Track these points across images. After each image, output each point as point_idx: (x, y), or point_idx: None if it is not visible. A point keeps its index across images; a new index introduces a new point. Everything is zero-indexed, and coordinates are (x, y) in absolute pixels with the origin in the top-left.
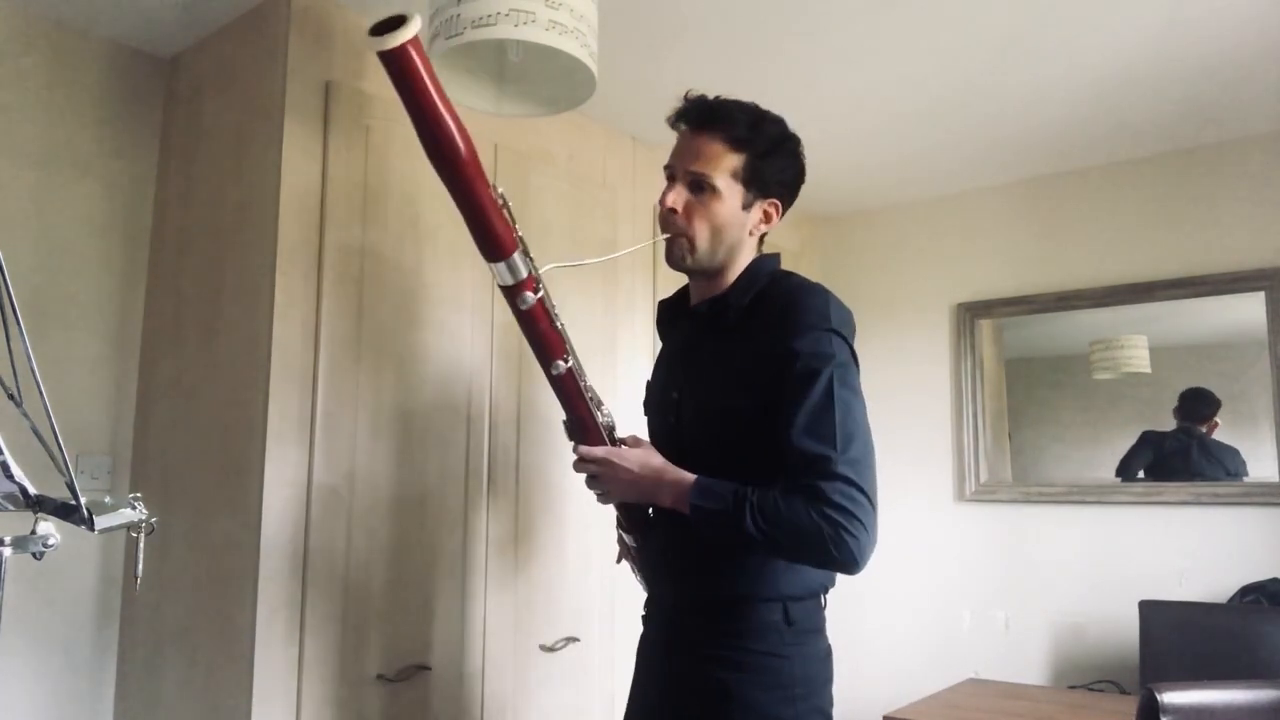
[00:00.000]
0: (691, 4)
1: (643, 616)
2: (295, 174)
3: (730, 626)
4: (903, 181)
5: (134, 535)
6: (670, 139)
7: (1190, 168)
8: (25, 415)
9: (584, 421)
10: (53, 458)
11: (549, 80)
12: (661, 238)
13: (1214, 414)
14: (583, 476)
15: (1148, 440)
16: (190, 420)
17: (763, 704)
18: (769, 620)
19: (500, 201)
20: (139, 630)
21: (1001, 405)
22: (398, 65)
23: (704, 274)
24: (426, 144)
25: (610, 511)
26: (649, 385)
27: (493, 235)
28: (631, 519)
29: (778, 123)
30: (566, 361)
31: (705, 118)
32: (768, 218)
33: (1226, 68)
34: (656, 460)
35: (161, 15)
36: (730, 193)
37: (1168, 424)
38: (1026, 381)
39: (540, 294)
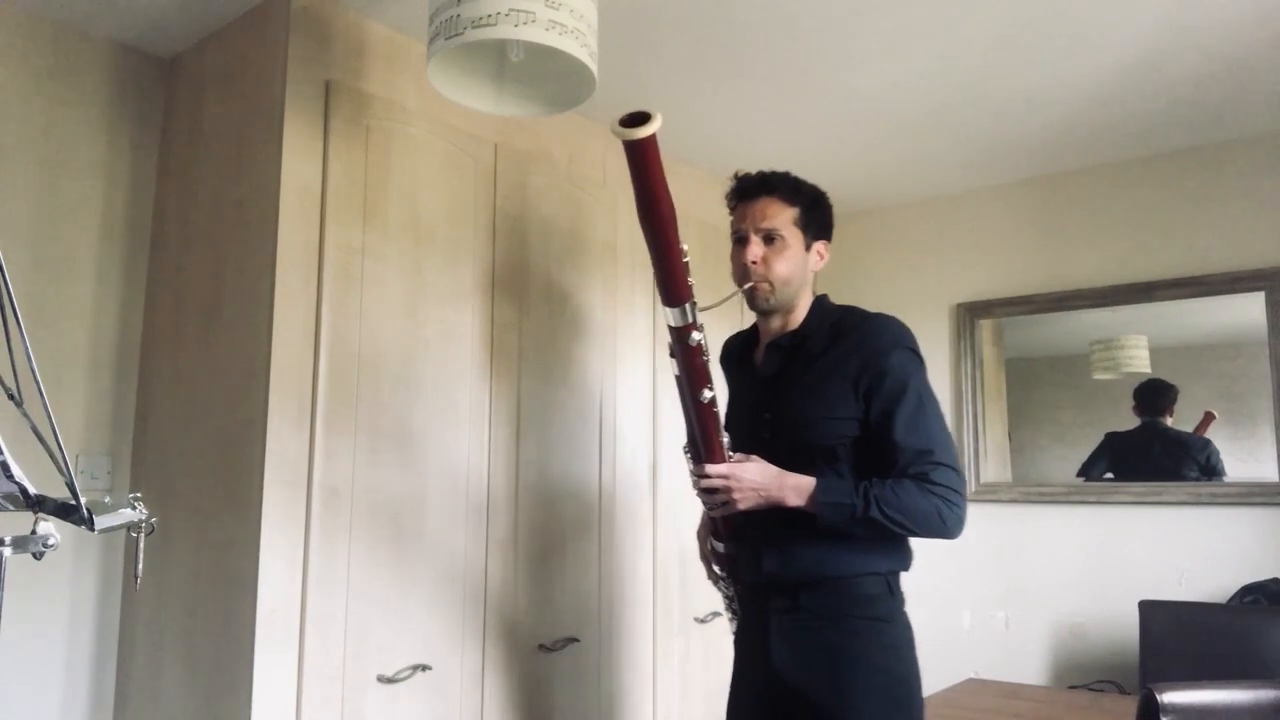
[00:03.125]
0: (692, 4)
1: (734, 611)
2: (295, 174)
3: (840, 600)
4: (903, 182)
5: (134, 535)
6: (665, 138)
7: (1190, 168)
8: (25, 415)
9: (711, 442)
10: (53, 458)
11: (549, 80)
12: (746, 286)
13: (1172, 403)
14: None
15: (1108, 441)
16: (190, 420)
17: (879, 660)
18: (875, 592)
19: (685, 259)
20: (139, 630)
21: (1001, 405)
22: (640, 152)
23: (781, 312)
24: (646, 213)
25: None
26: (730, 410)
27: (677, 285)
28: (730, 527)
29: (809, 184)
30: (710, 390)
31: (760, 186)
32: (821, 257)
33: (1226, 68)
34: (773, 468)
35: (161, 15)
36: (794, 239)
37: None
38: (1026, 381)
39: (702, 334)
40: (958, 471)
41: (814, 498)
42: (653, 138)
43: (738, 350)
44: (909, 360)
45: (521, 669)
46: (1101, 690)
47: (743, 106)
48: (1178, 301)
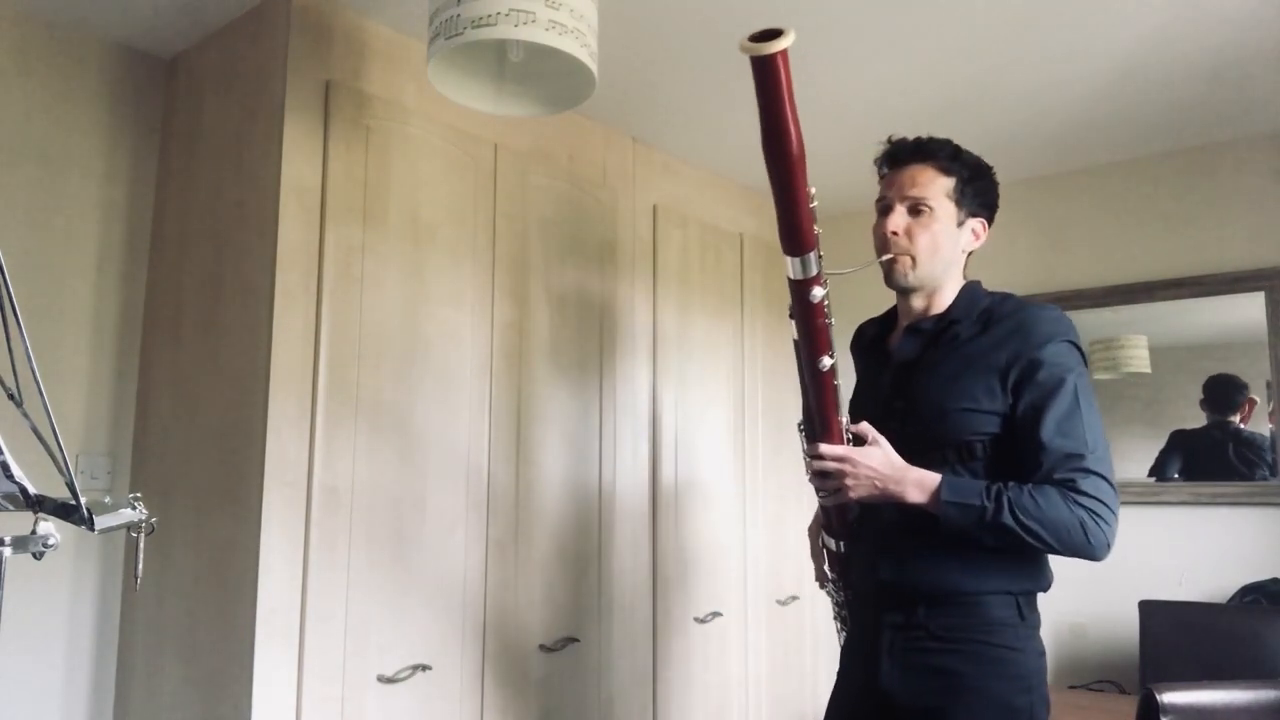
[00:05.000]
0: (692, 4)
1: (842, 620)
2: (295, 174)
3: (964, 620)
4: None
5: (134, 535)
6: (665, 138)
7: (1190, 168)
8: (25, 415)
9: (828, 420)
10: (53, 458)
11: (549, 80)
12: (884, 258)
13: (1245, 400)
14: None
15: (1176, 441)
16: (190, 420)
17: (1001, 694)
18: (1003, 615)
19: (812, 203)
20: (139, 630)
21: None
22: (769, 70)
23: (922, 291)
24: (773, 142)
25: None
26: (857, 396)
27: (802, 231)
28: (844, 522)
29: (973, 154)
30: (832, 358)
31: (914, 152)
32: (976, 236)
33: (1227, 68)
34: (897, 459)
35: (161, 15)
36: (945, 212)
37: (1166, 424)
38: None
39: (826, 290)
40: (1111, 484)
41: (938, 495)
42: (784, 54)
43: (870, 335)
44: (1068, 353)
45: (521, 669)
46: (1101, 690)
47: (743, 106)
48: (1178, 301)
